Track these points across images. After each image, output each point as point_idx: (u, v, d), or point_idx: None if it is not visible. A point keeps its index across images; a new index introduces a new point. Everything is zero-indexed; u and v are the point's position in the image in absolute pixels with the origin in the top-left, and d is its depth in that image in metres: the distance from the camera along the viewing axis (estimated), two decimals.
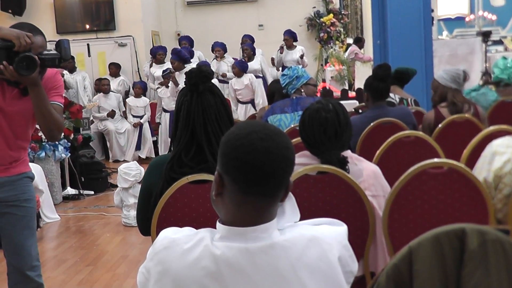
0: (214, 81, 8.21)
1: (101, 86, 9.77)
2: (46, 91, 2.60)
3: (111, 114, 9.61)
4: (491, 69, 7.09)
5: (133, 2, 11.00)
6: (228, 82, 9.37)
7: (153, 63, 9.97)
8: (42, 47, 2.56)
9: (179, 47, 9.33)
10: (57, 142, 6.41)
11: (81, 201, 6.87)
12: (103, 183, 7.42)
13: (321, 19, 12.22)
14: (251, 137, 1.33)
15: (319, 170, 2.34)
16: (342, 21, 12.59)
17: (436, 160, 2.50)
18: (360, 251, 2.31)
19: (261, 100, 8.67)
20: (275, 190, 1.35)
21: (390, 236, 2.33)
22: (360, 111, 5.04)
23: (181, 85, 7.44)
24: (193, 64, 8.38)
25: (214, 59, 9.94)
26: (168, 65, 9.19)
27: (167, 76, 8.66)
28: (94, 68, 11.06)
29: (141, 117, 9.55)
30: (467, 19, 15.21)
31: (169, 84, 8.48)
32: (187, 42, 10.10)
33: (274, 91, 4.97)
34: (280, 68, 10.06)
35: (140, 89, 9.64)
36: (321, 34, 12.23)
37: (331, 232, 1.41)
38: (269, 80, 9.44)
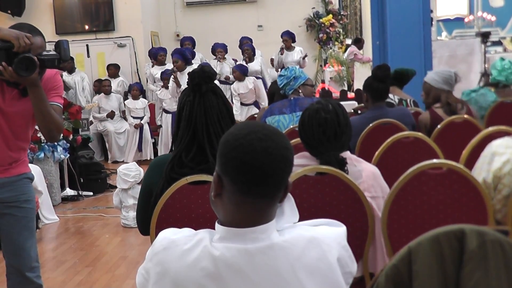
0: (216, 82, 8.18)
1: (102, 87, 9.77)
2: (46, 91, 2.60)
3: (111, 115, 9.61)
4: (490, 70, 7.10)
5: (133, 3, 11.00)
6: (230, 84, 9.36)
7: (154, 65, 9.93)
8: (41, 48, 2.56)
9: (181, 48, 9.31)
10: (56, 143, 6.40)
11: (80, 202, 6.86)
12: (102, 184, 7.41)
13: (320, 20, 12.21)
14: (250, 137, 1.33)
15: (318, 171, 2.34)
16: (341, 22, 12.59)
17: (435, 161, 2.50)
18: (359, 252, 2.31)
19: (265, 101, 8.69)
20: (274, 190, 1.35)
21: (389, 237, 2.33)
22: (359, 111, 5.04)
23: (184, 85, 7.42)
24: (194, 65, 8.38)
25: (217, 60, 9.82)
26: (168, 66, 9.19)
27: (167, 77, 8.64)
28: (93, 68, 11.07)
29: (141, 118, 9.53)
30: (466, 20, 15.23)
31: (169, 85, 8.47)
32: (190, 43, 10.07)
33: (274, 92, 4.97)
34: (279, 69, 10.06)
35: (138, 90, 9.62)
36: (320, 35, 12.23)
37: (330, 233, 1.41)
38: (268, 81, 9.44)
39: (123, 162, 9.00)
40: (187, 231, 1.44)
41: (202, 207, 2.21)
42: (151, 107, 9.77)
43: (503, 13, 14.94)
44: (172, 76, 8.15)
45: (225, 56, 9.93)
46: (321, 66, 12.14)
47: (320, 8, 12.45)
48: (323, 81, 10.98)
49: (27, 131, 2.75)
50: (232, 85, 9.08)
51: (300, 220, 1.48)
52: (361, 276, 2.35)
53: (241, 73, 8.81)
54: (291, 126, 4.03)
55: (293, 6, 12.26)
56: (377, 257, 2.39)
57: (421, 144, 3.35)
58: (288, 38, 9.91)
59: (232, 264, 1.32)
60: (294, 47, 9.97)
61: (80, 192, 7.00)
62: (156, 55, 9.85)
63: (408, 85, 5.11)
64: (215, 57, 9.95)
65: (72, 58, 10.22)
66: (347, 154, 2.45)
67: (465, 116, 3.90)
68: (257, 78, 9.30)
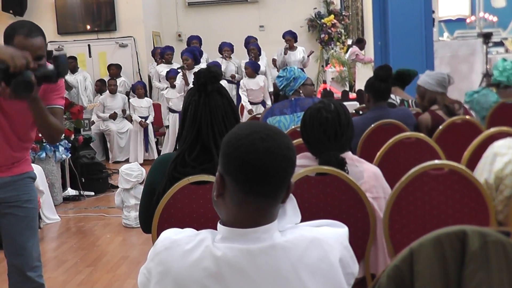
0: (222, 81, 8.18)
1: (108, 86, 9.79)
2: (47, 93, 2.60)
3: (113, 116, 9.61)
4: (491, 70, 7.09)
5: (134, 3, 11.00)
6: (235, 83, 9.37)
7: (161, 62, 9.96)
8: (40, 49, 2.51)
9: (192, 47, 9.34)
10: (57, 143, 6.41)
11: (81, 201, 6.87)
12: (103, 184, 7.41)
13: (322, 20, 12.21)
14: (252, 137, 1.33)
15: (318, 171, 2.34)
16: (343, 22, 12.58)
17: (437, 161, 2.50)
18: (361, 252, 2.31)
19: (268, 101, 8.73)
20: (276, 190, 1.35)
21: (390, 238, 2.33)
22: (360, 112, 5.04)
23: (191, 84, 7.44)
24: (202, 64, 8.42)
25: (223, 59, 9.87)
26: (174, 65, 9.22)
27: (173, 75, 8.67)
28: (95, 68, 11.07)
29: (145, 118, 9.49)
30: (468, 20, 15.20)
31: (176, 83, 8.49)
32: (197, 42, 10.10)
33: (279, 92, 4.97)
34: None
35: (142, 89, 9.61)
36: (322, 35, 12.22)
37: (332, 234, 1.41)
38: (270, 81, 9.44)
39: (124, 162, 8.99)
40: (189, 231, 1.44)
41: (204, 207, 2.21)
42: (155, 107, 9.77)
43: (505, 14, 14.91)
44: (181, 73, 8.18)
45: (231, 55, 9.97)
46: (322, 66, 12.14)
47: (321, 9, 12.45)
48: (324, 82, 10.97)
49: (29, 131, 2.75)
50: (242, 80, 9.08)
51: (301, 220, 1.48)
52: (362, 277, 2.35)
53: (253, 70, 8.79)
54: (293, 127, 4.03)
55: (294, 6, 12.26)
56: (379, 258, 2.38)
57: (422, 145, 3.35)
58: (291, 38, 9.91)
59: (234, 264, 1.32)
60: (296, 47, 9.98)
61: (81, 192, 7.00)
62: (163, 54, 9.94)
63: (409, 86, 5.10)
64: (221, 55, 9.98)
65: (75, 58, 10.24)
66: (348, 155, 2.45)
67: (467, 117, 3.90)
68: None
